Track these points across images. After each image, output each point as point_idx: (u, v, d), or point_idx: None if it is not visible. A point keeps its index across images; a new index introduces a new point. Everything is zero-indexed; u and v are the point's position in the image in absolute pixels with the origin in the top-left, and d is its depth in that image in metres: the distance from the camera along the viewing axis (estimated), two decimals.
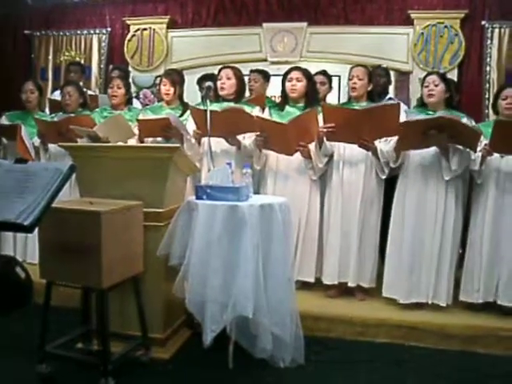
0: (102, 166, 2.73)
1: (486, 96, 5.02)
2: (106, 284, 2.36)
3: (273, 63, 5.47)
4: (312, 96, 3.52)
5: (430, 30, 5.13)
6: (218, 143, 3.43)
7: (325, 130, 3.22)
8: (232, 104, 3.51)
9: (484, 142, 3.11)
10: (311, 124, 3.31)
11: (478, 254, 3.20)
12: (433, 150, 3.15)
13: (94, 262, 2.30)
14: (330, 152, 3.42)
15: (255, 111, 3.52)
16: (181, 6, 5.83)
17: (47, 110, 4.60)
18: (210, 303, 2.44)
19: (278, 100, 3.99)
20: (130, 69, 5.70)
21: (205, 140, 3.37)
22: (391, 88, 5.00)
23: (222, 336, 2.47)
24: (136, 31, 5.81)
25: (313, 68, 4.02)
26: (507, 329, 2.97)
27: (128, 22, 5.86)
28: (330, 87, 4.49)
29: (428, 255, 3.20)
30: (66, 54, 6.03)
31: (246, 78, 4.18)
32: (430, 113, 3.22)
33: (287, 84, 3.50)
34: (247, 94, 4.20)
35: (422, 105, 3.40)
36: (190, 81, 4.43)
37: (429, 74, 3.44)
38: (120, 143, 3.45)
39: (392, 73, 4.96)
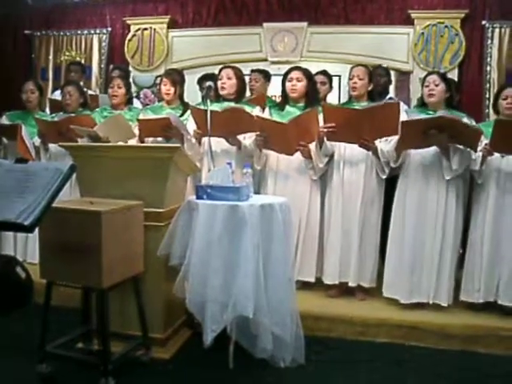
0: (103, 165, 2.73)
1: (487, 96, 5.02)
2: (107, 284, 2.36)
3: (273, 63, 5.47)
4: (312, 96, 3.52)
5: (431, 29, 5.13)
6: (219, 143, 3.43)
7: (325, 129, 3.22)
8: (232, 104, 3.50)
9: (484, 141, 3.10)
10: (311, 124, 3.31)
11: (478, 254, 3.20)
12: (433, 149, 3.15)
13: (94, 261, 2.30)
14: (331, 152, 3.42)
15: (255, 111, 3.51)
16: (181, 6, 5.83)
17: (48, 110, 4.61)
18: (210, 303, 2.44)
19: (278, 100, 3.99)
20: (131, 68, 5.70)
21: (205, 140, 3.37)
22: (392, 88, 5.00)
23: (222, 336, 2.47)
24: (136, 31, 5.81)
25: (313, 68, 4.02)
26: (508, 328, 2.97)
27: (128, 21, 5.86)
28: (331, 87, 4.49)
29: (429, 255, 3.19)
30: (67, 53, 6.03)
31: (247, 78, 4.18)
32: (431, 112, 3.21)
33: (287, 84, 3.50)
34: (248, 93, 4.20)
35: (422, 105, 3.40)
36: (191, 80, 4.43)
37: (429, 73, 3.44)
38: (120, 143, 3.45)
39: (392, 73, 4.96)
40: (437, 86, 3.23)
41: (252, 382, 2.56)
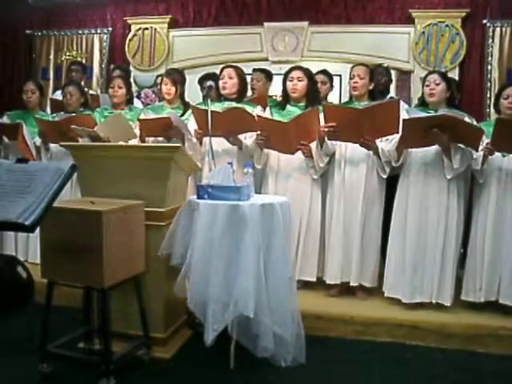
0: (103, 165, 2.73)
1: (488, 95, 5.01)
2: (108, 283, 2.36)
3: (274, 62, 5.46)
4: (313, 95, 3.52)
5: (432, 28, 5.12)
6: (220, 143, 3.43)
7: (326, 129, 3.22)
8: (234, 103, 3.50)
9: (486, 141, 3.10)
10: (312, 123, 3.30)
11: (479, 253, 3.19)
12: (434, 148, 3.15)
13: (95, 261, 2.31)
14: (332, 151, 3.41)
15: (257, 111, 3.52)
16: (182, 6, 5.83)
17: (48, 110, 4.61)
18: (211, 302, 2.44)
19: (279, 99, 3.98)
20: (131, 68, 5.70)
21: (206, 139, 3.37)
22: (392, 87, 5.00)
23: (223, 335, 2.47)
24: (137, 31, 5.81)
25: (314, 67, 4.01)
26: (509, 328, 2.96)
27: (129, 21, 5.86)
28: (331, 86, 4.49)
29: (431, 254, 3.19)
30: (68, 53, 6.03)
31: (248, 78, 4.18)
32: (431, 112, 3.21)
33: (288, 83, 3.50)
34: (249, 93, 4.20)
35: (423, 104, 3.39)
36: (192, 80, 4.43)
37: (430, 72, 3.43)
38: (121, 143, 3.45)
39: (393, 72, 4.96)
40: (437, 85, 3.23)
41: (253, 381, 2.56)
